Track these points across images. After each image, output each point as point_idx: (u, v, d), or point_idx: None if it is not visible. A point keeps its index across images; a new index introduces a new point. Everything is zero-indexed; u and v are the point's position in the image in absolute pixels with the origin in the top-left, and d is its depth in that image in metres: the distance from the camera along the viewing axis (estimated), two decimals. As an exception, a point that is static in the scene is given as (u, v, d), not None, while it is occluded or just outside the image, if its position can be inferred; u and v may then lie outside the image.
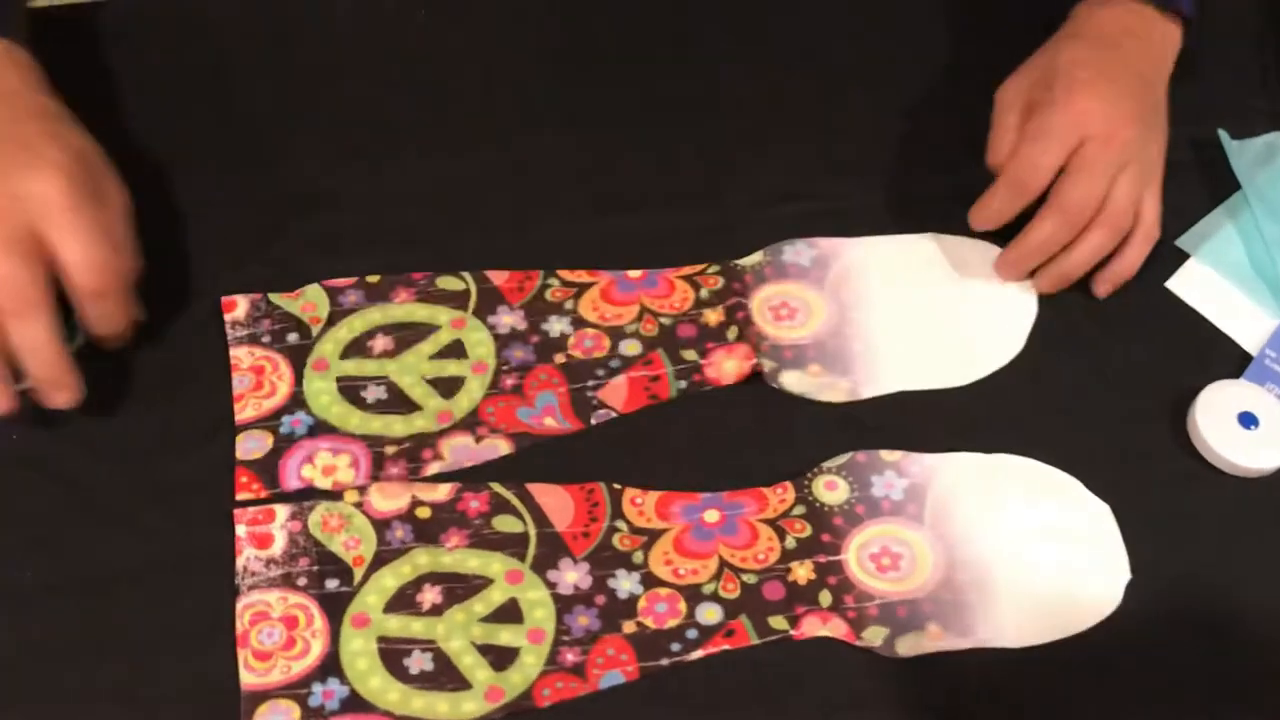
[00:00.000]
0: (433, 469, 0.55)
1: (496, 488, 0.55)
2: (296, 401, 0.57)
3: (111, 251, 0.52)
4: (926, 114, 0.68)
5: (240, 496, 0.54)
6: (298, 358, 0.58)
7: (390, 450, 0.56)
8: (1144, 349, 0.61)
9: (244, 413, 0.56)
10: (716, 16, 0.72)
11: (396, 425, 0.56)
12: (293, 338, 0.59)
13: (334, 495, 0.54)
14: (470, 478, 0.55)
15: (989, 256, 0.62)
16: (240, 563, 0.52)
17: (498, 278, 0.61)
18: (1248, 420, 0.57)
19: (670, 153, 0.67)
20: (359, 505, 0.54)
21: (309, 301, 0.60)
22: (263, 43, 0.70)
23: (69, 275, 0.51)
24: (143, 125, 0.64)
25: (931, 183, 0.66)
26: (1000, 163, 0.60)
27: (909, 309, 0.61)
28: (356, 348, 0.59)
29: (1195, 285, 0.63)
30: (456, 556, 0.53)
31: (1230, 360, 0.61)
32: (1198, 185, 0.67)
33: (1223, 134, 0.67)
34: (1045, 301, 0.61)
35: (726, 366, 0.59)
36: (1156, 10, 0.62)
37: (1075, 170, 0.58)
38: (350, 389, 0.57)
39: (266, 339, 0.58)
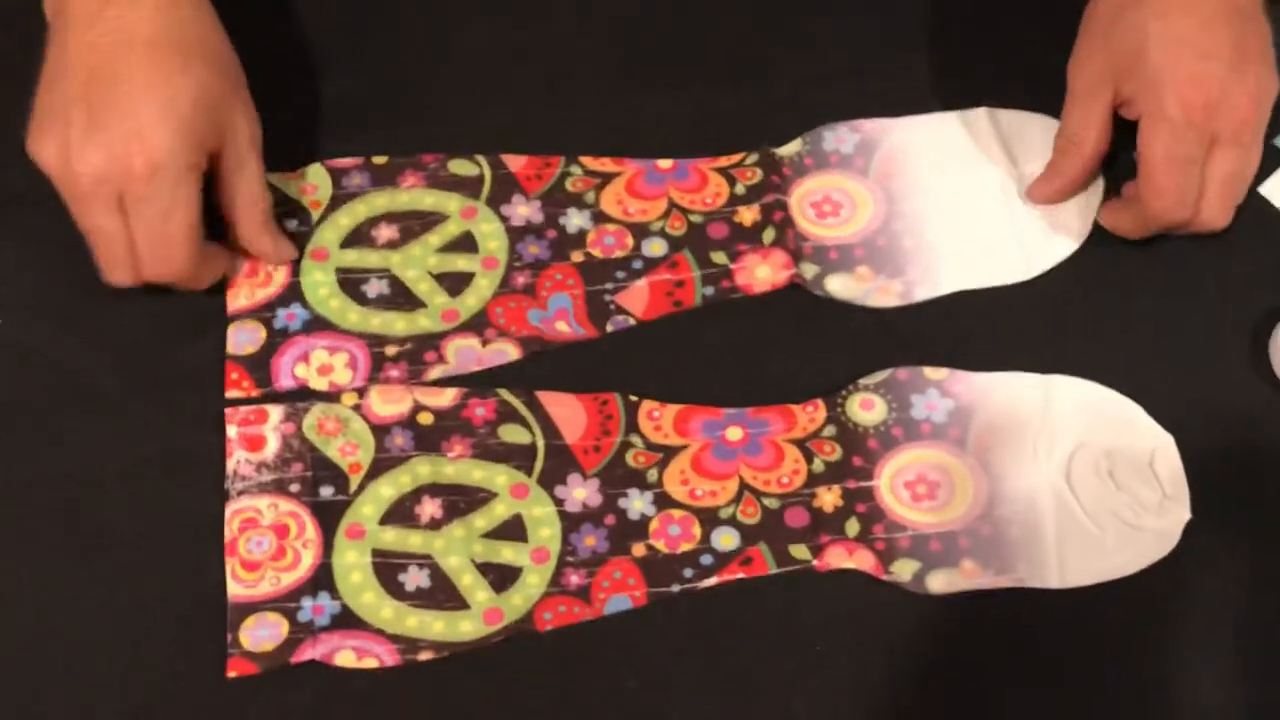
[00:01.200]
0: (435, 373, 0.52)
1: (504, 394, 0.51)
2: (293, 293, 0.53)
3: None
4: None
5: (230, 394, 0.51)
6: (296, 245, 0.54)
7: (390, 351, 0.52)
8: (1227, 259, 0.54)
9: (236, 301, 0.53)
10: None
11: (398, 323, 0.52)
12: (291, 223, 0.54)
13: (331, 397, 0.51)
14: (476, 383, 0.51)
15: (1049, 130, 0.56)
16: (230, 465, 0.49)
17: (514, 163, 0.56)
18: (1339, 348, 0.51)
19: (714, 23, 0.60)
20: (357, 408, 0.51)
21: (310, 183, 0.55)
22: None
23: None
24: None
25: (999, 63, 0.59)
26: (1086, 156, 0.53)
27: (964, 197, 0.56)
28: (359, 237, 0.54)
29: (1291, 190, 0.57)
30: (459, 467, 0.50)
31: (1326, 284, 0.54)
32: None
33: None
34: (1114, 185, 0.55)
35: (759, 273, 0.54)
36: None
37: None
38: (350, 282, 0.53)
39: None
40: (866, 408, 0.51)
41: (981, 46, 0.60)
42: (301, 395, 0.51)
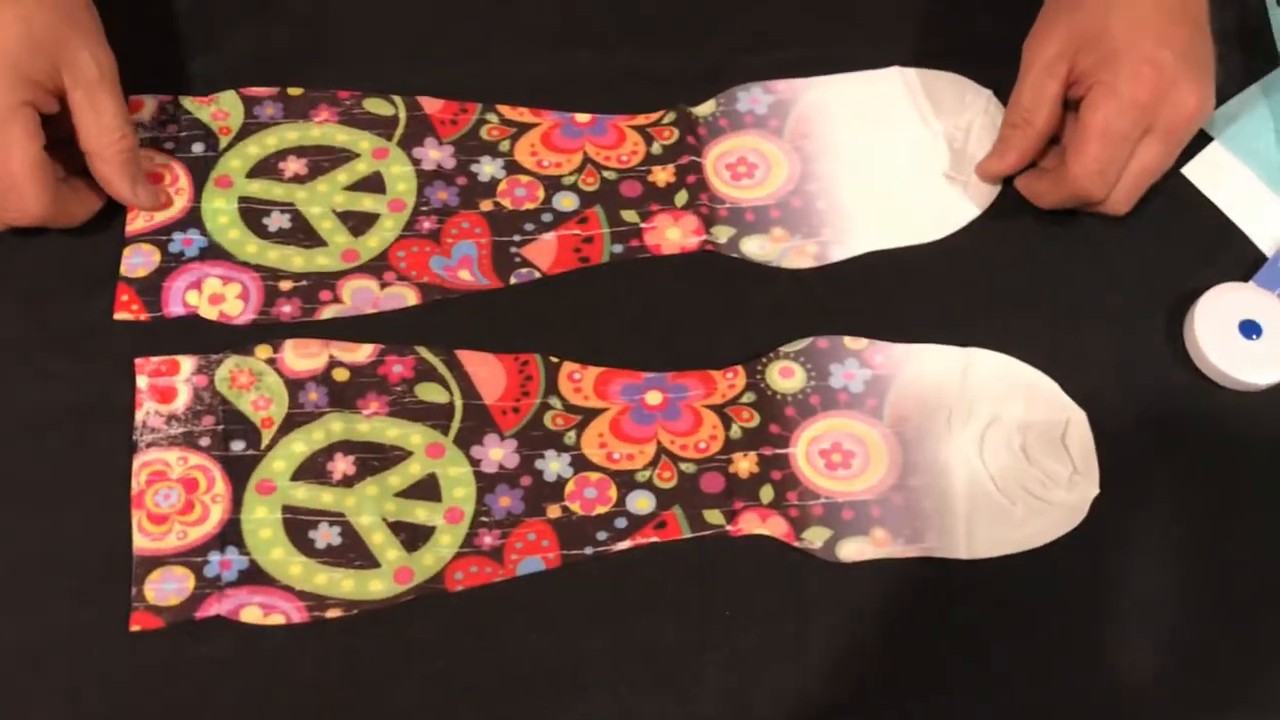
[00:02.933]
0: (329, 312, 0.51)
1: (423, 352, 0.51)
2: (192, 218, 0.52)
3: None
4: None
5: (119, 316, 0.50)
6: (200, 170, 0.53)
7: (285, 286, 0.51)
8: (1147, 237, 0.55)
9: (134, 224, 0.52)
10: None
11: (296, 259, 0.52)
12: (198, 148, 0.53)
13: (245, 350, 0.50)
14: (394, 340, 0.51)
15: (959, 87, 0.56)
16: (139, 416, 0.48)
17: (430, 105, 0.55)
18: (1250, 330, 0.52)
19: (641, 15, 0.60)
20: (271, 362, 0.50)
21: (221, 109, 0.54)
22: None
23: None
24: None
25: (934, 37, 0.59)
26: (1038, 132, 0.53)
27: (877, 157, 0.56)
28: (265, 168, 0.54)
29: (1215, 173, 0.57)
30: (374, 425, 0.49)
31: (1242, 262, 0.55)
32: (1233, 59, 0.60)
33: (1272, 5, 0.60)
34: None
35: (669, 234, 0.54)
36: None
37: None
38: (251, 213, 0.52)
39: (170, 145, 0.53)
40: (786, 375, 0.51)
41: (903, 18, 0.60)
42: (190, 324, 0.50)
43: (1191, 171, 0.57)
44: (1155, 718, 0.47)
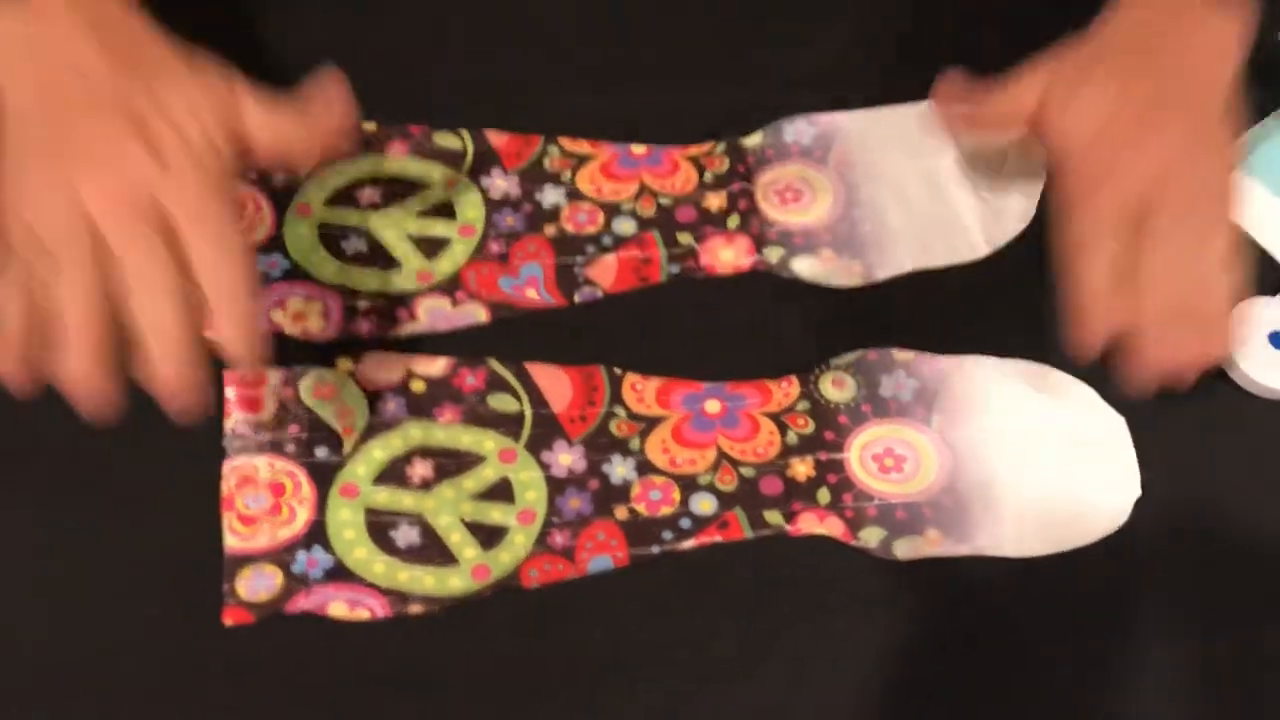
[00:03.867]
0: (405, 329, 0.54)
1: (494, 365, 0.53)
2: (275, 243, 0.55)
3: (221, 208, 0.44)
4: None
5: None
6: (281, 199, 0.56)
7: (363, 305, 0.54)
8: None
9: None
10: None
11: (373, 280, 0.55)
12: (279, 178, 0.57)
13: (327, 362, 0.53)
14: (467, 354, 0.54)
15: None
16: (228, 425, 0.51)
17: (497, 139, 0.59)
18: (1279, 341, 0.55)
19: (697, 27, 0.63)
20: (352, 374, 0.53)
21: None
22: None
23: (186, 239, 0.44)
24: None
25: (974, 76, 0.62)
26: (994, 108, 0.53)
27: (915, 183, 0.59)
28: (343, 197, 0.57)
29: (1242, 199, 0.60)
30: (449, 432, 0.52)
31: (1268, 280, 0.58)
32: (1253, 90, 0.63)
33: (1284, 37, 0.63)
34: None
35: (723, 255, 0.57)
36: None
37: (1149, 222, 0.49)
38: (330, 237, 0.56)
39: (253, 175, 0.56)
40: (838, 386, 0.54)
41: (940, 59, 0.63)
42: (275, 340, 0.52)
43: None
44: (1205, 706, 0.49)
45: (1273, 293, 0.57)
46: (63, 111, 0.45)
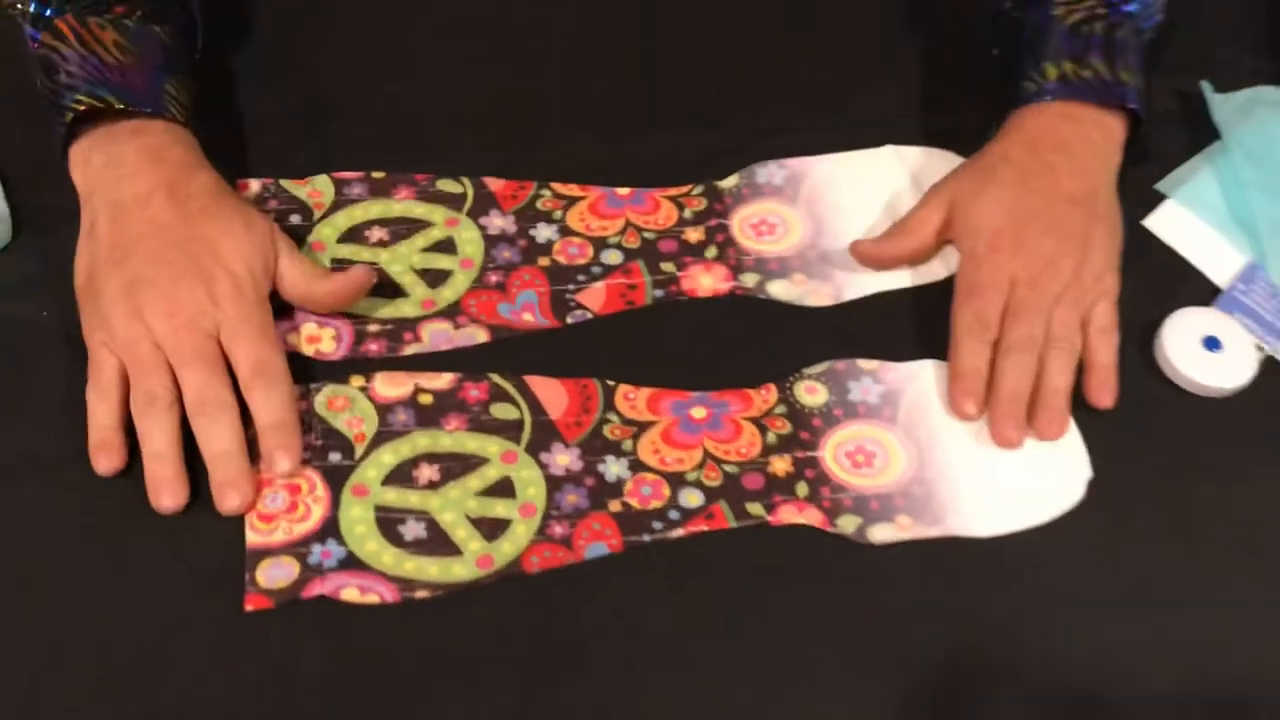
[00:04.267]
0: (410, 349, 0.59)
1: (496, 378, 0.58)
2: None
3: (271, 347, 0.55)
4: (928, 67, 0.72)
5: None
6: (297, 237, 0.61)
7: (373, 329, 0.59)
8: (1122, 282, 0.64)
9: None
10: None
11: (383, 308, 0.60)
12: (294, 219, 0.62)
13: (341, 379, 0.58)
14: (470, 369, 0.58)
15: (949, 162, 0.66)
16: (250, 434, 0.55)
17: (494, 184, 0.65)
18: (1212, 344, 0.60)
19: (677, 79, 0.70)
20: (364, 390, 0.57)
21: (316, 189, 0.64)
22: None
23: (239, 373, 0.54)
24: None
25: (927, 125, 0.69)
26: (913, 248, 0.62)
27: (880, 214, 0.65)
28: (353, 235, 0.62)
29: (1172, 225, 0.66)
30: (455, 438, 0.56)
31: (1202, 294, 0.63)
32: (1180, 134, 0.70)
33: (1205, 86, 0.70)
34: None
35: (703, 281, 0.62)
36: (1098, 107, 0.62)
37: (1011, 315, 0.58)
38: (341, 270, 0.61)
39: (271, 210, 0.62)
40: (811, 392, 0.59)
41: (900, 112, 0.70)
42: (291, 359, 0.56)
43: (1152, 224, 0.66)
44: (1156, 676, 0.52)
45: (1204, 303, 0.62)
46: (137, 256, 0.55)
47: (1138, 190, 0.66)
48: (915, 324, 0.61)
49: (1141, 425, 0.59)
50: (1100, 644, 0.52)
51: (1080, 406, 0.58)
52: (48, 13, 0.59)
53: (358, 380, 0.58)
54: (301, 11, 0.72)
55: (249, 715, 0.49)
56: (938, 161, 0.66)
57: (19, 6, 0.59)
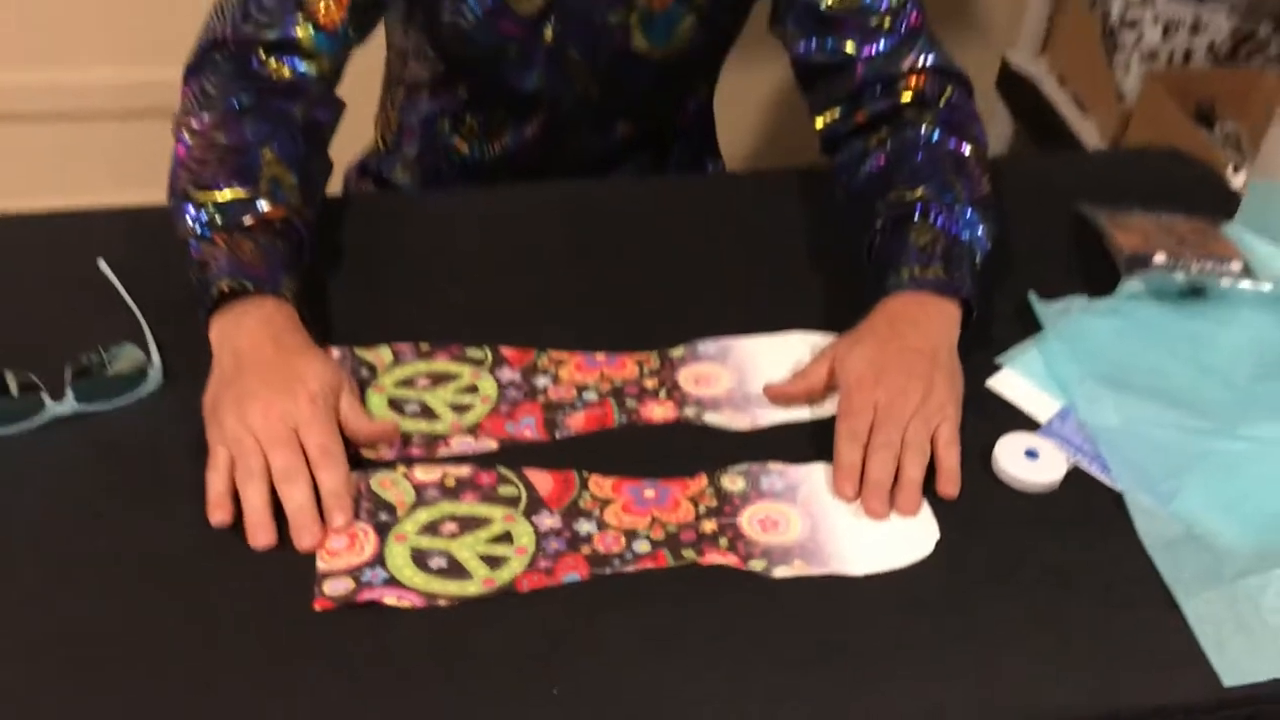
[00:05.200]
0: (442, 453, 0.81)
1: (501, 469, 0.79)
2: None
3: (334, 440, 0.77)
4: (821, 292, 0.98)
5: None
6: (364, 386, 0.85)
7: (415, 440, 0.82)
8: (970, 418, 0.85)
9: None
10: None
11: (422, 425, 0.82)
12: (364, 373, 0.86)
13: (389, 468, 0.79)
14: (482, 464, 0.80)
15: (830, 339, 0.90)
16: (317, 498, 0.76)
17: (507, 350, 0.89)
18: (1032, 454, 0.81)
19: (636, 307, 0.96)
20: (406, 475, 0.79)
21: (379, 355, 0.87)
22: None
23: (310, 455, 0.76)
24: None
25: (830, 314, 0.94)
26: (800, 389, 0.86)
27: (786, 373, 0.88)
28: (406, 383, 0.85)
29: (1008, 384, 0.89)
30: (471, 507, 0.77)
31: (1024, 422, 0.85)
32: (1015, 326, 0.94)
33: (1032, 296, 0.95)
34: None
35: (656, 412, 0.85)
36: (938, 296, 0.87)
37: (876, 429, 0.80)
38: (396, 404, 0.84)
39: (345, 369, 0.85)
40: (732, 482, 0.80)
41: (811, 302, 0.95)
42: (363, 465, 0.79)
43: (993, 383, 0.89)
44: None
45: (1029, 429, 0.84)
46: (246, 378, 0.79)
47: (985, 363, 0.90)
48: (810, 443, 0.83)
49: (980, 510, 0.79)
50: (931, 659, 0.70)
51: (937, 500, 0.79)
52: (209, 233, 0.85)
53: (402, 469, 0.79)
54: (369, 245, 0.99)
55: (316, 682, 0.67)
56: (823, 340, 0.90)
57: (192, 228, 0.86)
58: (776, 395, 0.86)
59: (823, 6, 0.98)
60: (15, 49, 1.84)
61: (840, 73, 1.00)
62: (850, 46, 0.99)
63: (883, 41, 0.98)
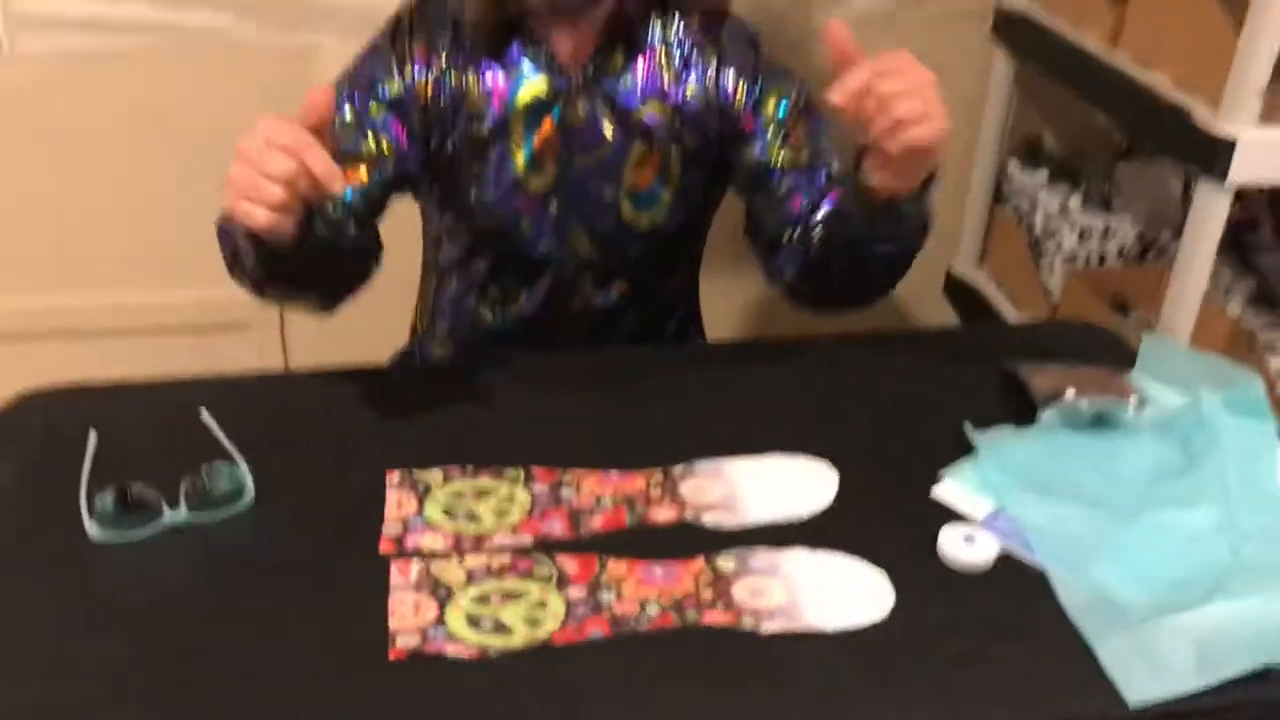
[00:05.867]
0: (486, 546, 0.99)
1: (536, 555, 0.97)
2: (419, 514, 1.01)
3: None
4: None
5: (383, 551, 0.96)
6: (423, 496, 1.03)
7: (466, 539, 0.99)
8: (917, 518, 1.03)
9: (390, 515, 1.01)
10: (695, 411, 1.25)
11: (470, 528, 1.00)
12: (421, 488, 1.04)
13: (445, 557, 0.96)
14: (521, 554, 0.97)
15: (813, 468, 1.09)
16: (391, 580, 0.93)
17: (538, 470, 1.08)
18: (970, 539, 0.99)
19: (643, 440, 1.16)
20: (459, 563, 0.96)
21: (433, 476, 1.06)
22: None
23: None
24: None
25: (793, 441, 1.14)
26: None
27: (769, 480, 1.07)
28: (457, 495, 1.04)
29: (950, 492, 1.08)
30: (513, 583, 0.94)
31: (966, 524, 1.04)
32: (954, 450, 1.14)
33: (968, 425, 1.15)
34: (848, 483, 1.06)
35: (661, 516, 1.03)
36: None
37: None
38: (449, 512, 1.02)
39: (407, 488, 1.03)
40: (725, 562, 0.97)
41: (783, 433, 1.14)
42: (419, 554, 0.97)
43: (936, 492, 1.08)
44: (939, 692, 0.86)
45: (968, 525, 1.02)
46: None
47: (929, 476, 1.09)
48: (789, 536, 1.01)
49: (927, 584, 0.96)
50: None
51: (892, 574, 0.96)
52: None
53: (455, 559, 0.97)
54: (429, 398, 1.20)
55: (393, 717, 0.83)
56: (799, 461, 1.10)
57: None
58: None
59: (777, 171, 1.25)
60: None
61: (782, 218, 1.26)
62: (799, 203, 1.25)
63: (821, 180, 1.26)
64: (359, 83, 1.24)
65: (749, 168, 1.27)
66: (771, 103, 1.26)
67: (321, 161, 0.94)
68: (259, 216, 0.95)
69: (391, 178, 1.23)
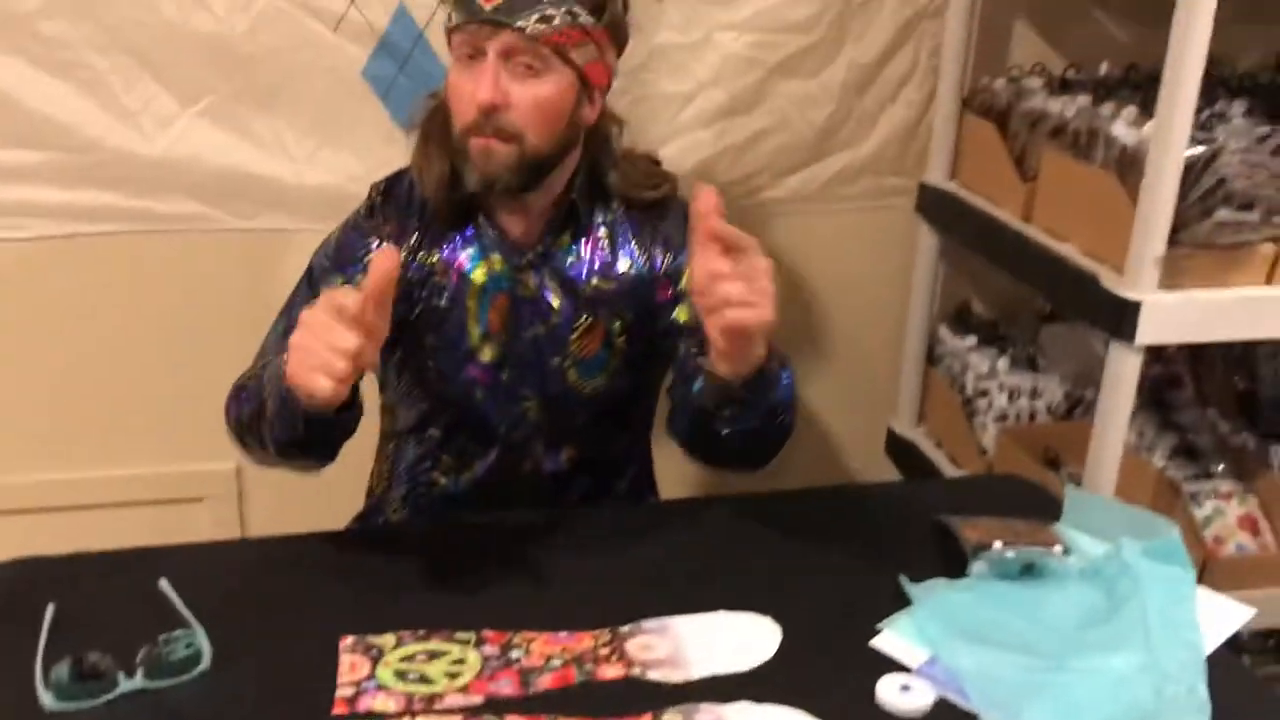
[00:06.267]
0: (437, 706, 1.01)
1: (486, 716, 0.99)
2: (371, 678, 1.04)
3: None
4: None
5: (336, 712, 0.99)
6: (376, 659, 1.06)
7: (418, 700, 1.02)
8: (855, 668, 1.07)
9: (342, 679, 1.03)
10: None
11: (422, 689, 1.03)
12: (374, 651, 1.07)
13: (397, 717, 0.99)
14: (471, 712, 1.00)
15: (756, 620, 1.13)
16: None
17: (488, 633, 1.11)
18: (905, 689, 1.03)
19: (588, 606, 1.19)
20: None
21: (386, 640, 1.09)
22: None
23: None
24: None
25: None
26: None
27: (714, 635, 1.10)
28: (409, 659, 1.07)
29: (887, 643, 1.12)
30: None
31: (900, 671, 1.08)
32: (893, 604, 1.18)
33: (903, 579, 1.20)
34: (791, 635, 1.10)
35: (609, 672, 1.07)
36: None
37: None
38: (401, 675, 1.04)
39: (360, 651, 1.06)
40: (672, 717, 1.00)
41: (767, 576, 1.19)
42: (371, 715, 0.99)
43: (875, 642, 1.12)
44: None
45: (905, 673, 1.06)
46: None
47: (868, 628, 1.13)
48: (733, 690, 1.04)
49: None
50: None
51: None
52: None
53: (408, 719, 0.99)
54: (380, 563, 1.23)
55: None
56: (740, 618, 1.14)
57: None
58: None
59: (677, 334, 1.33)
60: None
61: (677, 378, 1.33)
62: (689, 365, 1.29)
63: None
64: (343, 257, 1.33)
65: (666, 331, 1.36)
66: (688, 271, 1.35)
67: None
68: (324, 387, 1.01)
69: None
